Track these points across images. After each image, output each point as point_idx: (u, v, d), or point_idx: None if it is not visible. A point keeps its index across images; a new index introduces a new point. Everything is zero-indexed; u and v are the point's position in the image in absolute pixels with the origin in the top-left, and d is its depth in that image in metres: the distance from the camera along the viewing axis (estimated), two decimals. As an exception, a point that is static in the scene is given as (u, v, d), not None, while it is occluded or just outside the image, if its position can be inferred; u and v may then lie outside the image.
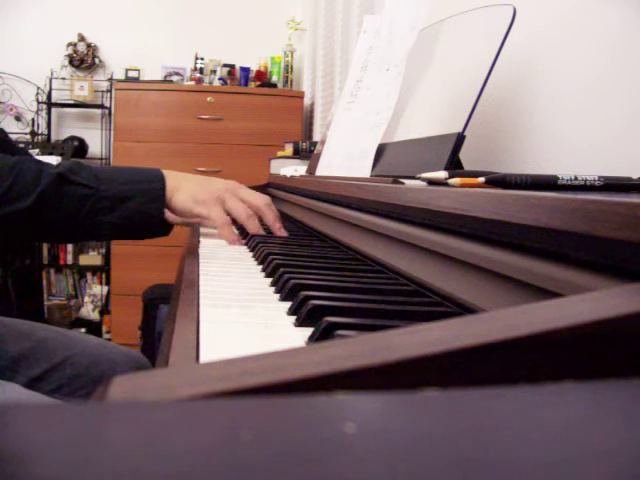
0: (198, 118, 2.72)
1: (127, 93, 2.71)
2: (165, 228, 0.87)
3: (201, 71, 3.01)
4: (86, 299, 3.15)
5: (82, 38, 3.13)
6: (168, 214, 0.85)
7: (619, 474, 0.10)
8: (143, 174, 0.83)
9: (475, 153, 0.99)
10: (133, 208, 0.80)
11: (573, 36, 0.84)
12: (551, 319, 0.20)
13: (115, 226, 0.80)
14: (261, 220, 0.90)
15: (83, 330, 2.97)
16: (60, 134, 3.16)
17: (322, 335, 0.39)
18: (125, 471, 0.10)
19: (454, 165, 0.75)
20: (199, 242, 0.89)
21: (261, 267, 0.70)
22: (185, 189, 0.85)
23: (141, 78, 3.06)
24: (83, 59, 3.13)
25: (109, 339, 2.75)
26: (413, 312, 0.45)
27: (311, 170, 1.26)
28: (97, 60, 3.16)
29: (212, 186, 0.87)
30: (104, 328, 3.05)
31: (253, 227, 0.88)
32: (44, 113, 3.11)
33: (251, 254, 0.81)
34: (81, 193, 0.78)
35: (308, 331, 0.42)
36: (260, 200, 0.90)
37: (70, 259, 3.11)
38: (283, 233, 0.89)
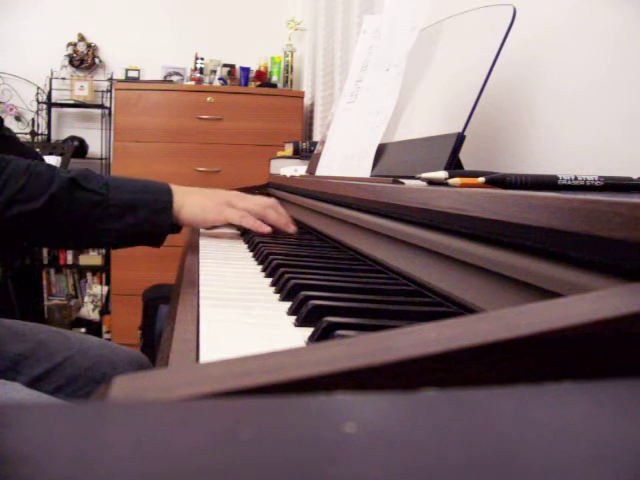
0: (198, 118, 2.72)
1: (127, 93, 2.71)
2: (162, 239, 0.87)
3: (201, 71, 3.01)
4: (86, 299, 3.15)
5: (82, 38, 3.13)
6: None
7: (619, 474, 0.10)
8: (152, 186, 0.85)
9: (475, 153, 0.99)
10: (140, 217, 0.81)
11: (573, 36, 0.84)
12: (551, 319, 0.20)
13: (120, 234, 0.81)
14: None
15: (83, 330, 2.97)
16: (60, 134, 3.16)
17: (322, 335, 0.39)
18: (125, 471, 0.10)
19: (454, 165, 0.75)
20: (199, 242, 0.90)
21: (261, 267, 0.70)
22: (192, 202, 0.86)
23: (141, 78, 3.06)
24: (83, 59, 3.13)
25: (109, 339, 2.75)
26: (413, 312, 0.45)
27: (311, 170, 1.26)
28: (97, 60, 3.16)
29: (218, 195, 0.90)
30: (104, 328, 3.05)
31: (273, 216, 0.91)
32: (44, 113, 3.11)
33: (251, 254, 0.81)
34: (91, 199, 0.79)
35: (308, 331, 0.42)
36: (269, 200, 0.94)
37: (70, 259, 3.11)
38: (292, 228, 0.94)
